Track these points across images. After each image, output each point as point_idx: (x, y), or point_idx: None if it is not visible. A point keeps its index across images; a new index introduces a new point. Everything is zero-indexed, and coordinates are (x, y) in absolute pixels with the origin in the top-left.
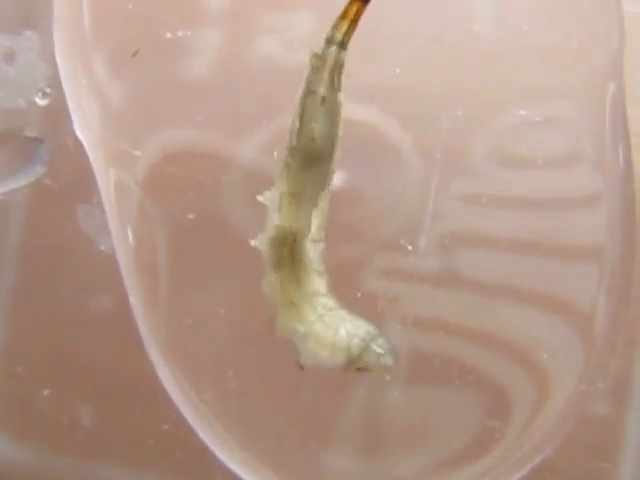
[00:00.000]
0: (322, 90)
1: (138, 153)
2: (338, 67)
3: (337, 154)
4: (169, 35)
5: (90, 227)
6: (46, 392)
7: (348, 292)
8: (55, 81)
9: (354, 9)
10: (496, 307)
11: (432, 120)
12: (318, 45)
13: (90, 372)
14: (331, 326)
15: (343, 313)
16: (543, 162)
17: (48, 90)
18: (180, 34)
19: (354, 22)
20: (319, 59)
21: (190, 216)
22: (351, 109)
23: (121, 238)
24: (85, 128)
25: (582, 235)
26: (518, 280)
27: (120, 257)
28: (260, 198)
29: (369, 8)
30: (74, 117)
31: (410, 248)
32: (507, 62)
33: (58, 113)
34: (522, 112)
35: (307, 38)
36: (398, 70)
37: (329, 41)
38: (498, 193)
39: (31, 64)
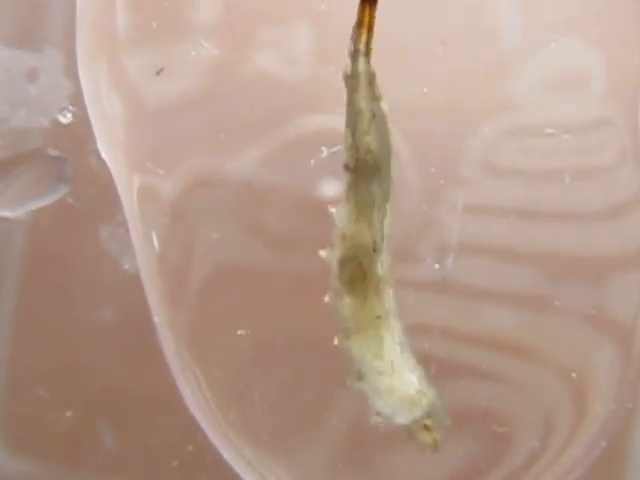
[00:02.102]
0: (366, 106)
1: (162, 172)
2: (372, 78)
3: (393, 162)
4: (193, 53)
5: (113, 246)
6: (68, 413)
7: None
8: (78, 99)
9: (366, 14)
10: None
11: (429, 131)
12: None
13: (112, 392)
14: (401, 377)
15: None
16: (570, 175)
17: (71, 108)
18: (192, 52)
19: (370, 27)
20: (352, 78)
21: (214, 235)
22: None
23: (145, 252)
24: (108, 146)
25: (616, 244)
26: (548, 297)
27: (143, 273)
28: (332, 210)
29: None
30: (97, 135)
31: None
32: (529, 76)
33: (81, 131)
34: (550, 131)
35: (304, 51)
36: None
37: (354, 55)
38: (517, 204)
39: (53, 82)
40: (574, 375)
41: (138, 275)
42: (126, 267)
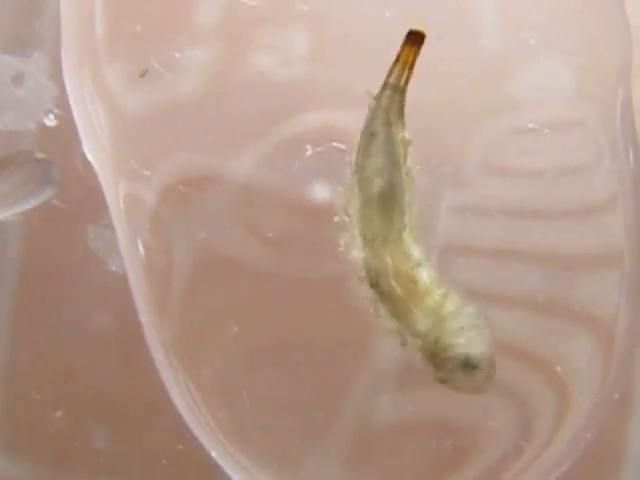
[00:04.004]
0: (378, 128)
1: (148, 172)
2: (395, 107)
3: (411, 190)
4: (177, 55)
5: (100, 247)
6: (58, 414)
7: (343, 303)
8: (63, 102)
9: (409, 53)
10: (498, 317)
11: (429, 132)
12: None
13: (102, 393)
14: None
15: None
16: (553, 173)
17: (56, 111)
18: (188, 54)
19: (410, 66)
20: (374, 100)
21: (201, 235)
22: (339, 119)
23: (131, 256)
24: (94, 148)
25: (598, 243)
26: (533, 291)
27: (130, 276)
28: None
29: (364, 26)
30: (83, 138)
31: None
32: (511, 73)
33: (67, 134)
34: (531, 126)
35: (301, 54)
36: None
37: (388, 88)
38: (503, 204)
39: (40, 86)
40: (558, 369)
41: (125, 276)
42: (113, 268)
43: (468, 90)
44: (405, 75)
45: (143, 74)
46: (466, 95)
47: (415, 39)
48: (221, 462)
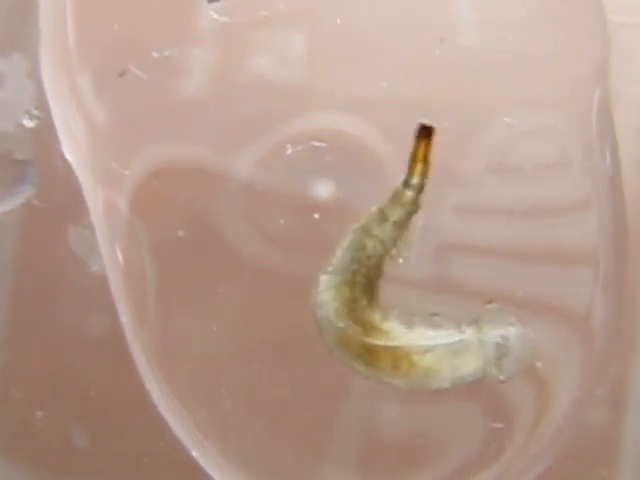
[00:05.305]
0: (393, 217)
1: (127, 172)
2: (412, 207)
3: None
4: (155, 54)
5: (81, 248)
6: (39, 414)
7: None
8: (43, 103)
9: (422, 148)
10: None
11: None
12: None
13: (83, 391)
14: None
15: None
16: (532, 171)
17: (36, 112)
18: (167, 53)
19: (426, 161)
20: (397, 203)
21: (180, 233)
22: (337, 120)
23: (111, 258)
24: (73, 149)
25: (574, 240)
26: (511, 288)
27: (110, 277)
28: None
29: (354, 24)
30: (62, 138)
31: (401, 260)
32: (493, 73)
33: (46, 135)
34: (509, 121)
35: (299, 54)
36: (384, 84)
37: (406, 185)
38: (487, 203)
39: (20, 86)
40: (539, 365)
41: (105, 276)
42: (94, 268)
43: (468, 90)
44: (425, 171)
45: (122, 74)
46: (466, 95)
47: (425, 133)
48: (202, 462)
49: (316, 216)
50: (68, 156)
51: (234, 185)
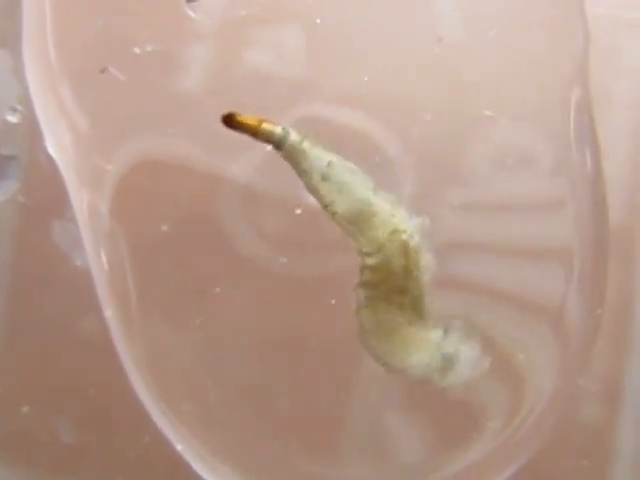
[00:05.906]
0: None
1: (110, 167)
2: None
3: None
4: (137, 50)
5: (65, 242)
6: (25, 409)
7: (340, 302)
8: (27, 99)
9: (244, 131)
10: (473, 308)
11: (416, 128)
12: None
13: (69, 387)
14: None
15: None
16: (509, 167)
17: (19, 107)
18: (150, 49)
19: (255, 134)
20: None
21: (164, 228)
22: (336, 114)
23: (94, 254)
24: (57, 145)
25: (548, 237)
26: (490, 282)
27: (94, 273)
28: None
29: (347, 17)
30: (46, 134)
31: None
32: (476, 68)
33: (30, 130)
34: (493, 117)
35: (295, 51)
36: (377, 77)
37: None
38: (468, 198)
39: (4, 82)
40: (521, 356)
41: (89, 271)
42: (78, 263)
43: (467, 90)
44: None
45: (103, 70)
46: (466, 95)
47: (229, 122)
48: (185, 455)
49: (311, 213)
50: (52, 152)
51: (229, 183)
